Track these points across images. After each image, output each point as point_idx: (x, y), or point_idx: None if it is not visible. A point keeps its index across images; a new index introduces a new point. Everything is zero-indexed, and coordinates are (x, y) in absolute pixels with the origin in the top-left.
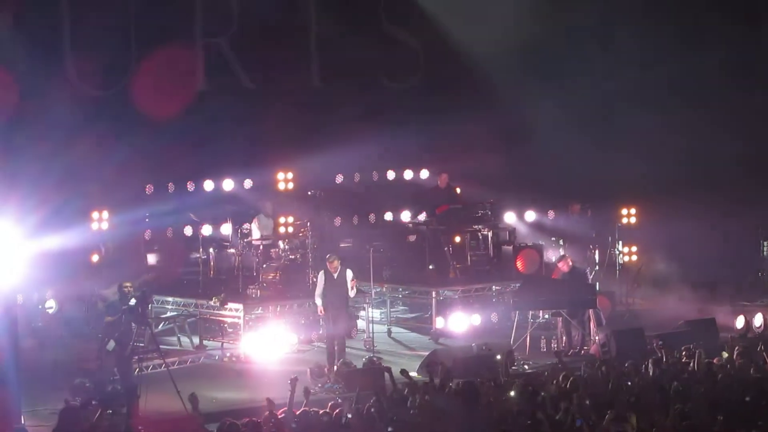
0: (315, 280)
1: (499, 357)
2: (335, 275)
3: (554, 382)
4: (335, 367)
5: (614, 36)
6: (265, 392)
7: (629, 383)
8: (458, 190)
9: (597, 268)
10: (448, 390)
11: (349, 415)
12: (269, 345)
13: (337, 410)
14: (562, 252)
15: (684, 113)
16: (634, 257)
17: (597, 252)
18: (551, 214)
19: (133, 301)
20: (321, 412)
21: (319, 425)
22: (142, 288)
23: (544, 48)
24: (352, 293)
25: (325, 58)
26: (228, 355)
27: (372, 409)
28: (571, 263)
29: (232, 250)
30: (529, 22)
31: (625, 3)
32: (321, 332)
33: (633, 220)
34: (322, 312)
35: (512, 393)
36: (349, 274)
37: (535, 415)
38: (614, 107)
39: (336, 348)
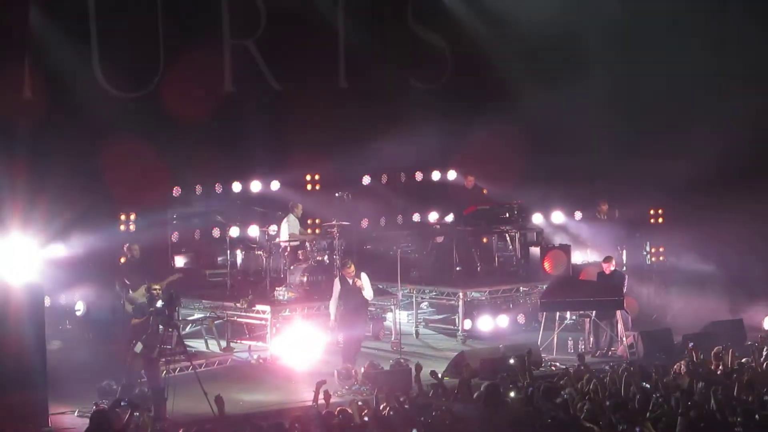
0: None
1: (512, 361)
2: (351, 281)
3: (577, 383)
4: (362, 369)
5: (641, 34)
6: (293, 395)
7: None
8: (485, 191)
9: (624, 268)
10: (473, 393)
11: (366, 419)
12: (297, 347)
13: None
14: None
15: (713, 110)
16: (662, 258)
17: (625, 252)
18: (578, 214)
19: (160, 303)
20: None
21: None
22: (169, 290)
23: (570, 46)
24: (369, 294)
25: (352, 59)
26: (256, 357)
27: (391, 412)
28: (614, 266)
29: (260, 252)
30: (558, 19)
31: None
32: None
33: (660, 220)
34: (333, 324)
35: (512, 394)
36: (364, 277)
37: (556, 416)
38: (641, 106)
39: (353, 351)
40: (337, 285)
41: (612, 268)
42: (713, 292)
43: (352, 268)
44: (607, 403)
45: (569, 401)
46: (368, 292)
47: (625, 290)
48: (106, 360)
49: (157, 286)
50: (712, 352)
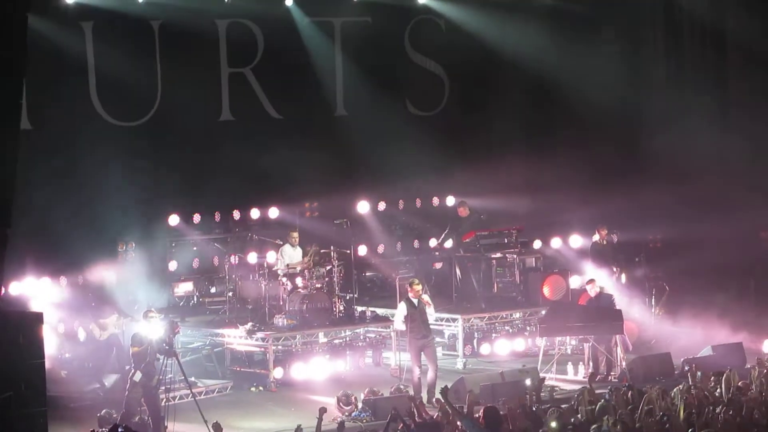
0: (340, 308)
1: (529, 382)
2: (416, 301)
3: (582, 407)
4: (362, 395)
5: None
6: (293, 421)
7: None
8: (483, 217)
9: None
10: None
11: None
12: (298, 374)
13: None
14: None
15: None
16: (660, 281)
17: (624, 276)
18: (576, 239)
19: (160, 331)
20: None
21: None
22: (168, 317)
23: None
24: (432, 313)
25: (350, 87)
26: (255, 384)
27: None
28: (598, 289)
29: (259, 280)
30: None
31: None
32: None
33: (659, 245)
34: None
35: (553, 424)
36: (425, 296)
37: None
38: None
39: (428, 382)
40: (402, 307)
41: (596, 290)
42: (711, 316)
43: (419, 286)
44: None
45: (576, 425)
46: (432, 313)
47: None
48: (106, 389)
49: (153, 312)
50: (720, 376)
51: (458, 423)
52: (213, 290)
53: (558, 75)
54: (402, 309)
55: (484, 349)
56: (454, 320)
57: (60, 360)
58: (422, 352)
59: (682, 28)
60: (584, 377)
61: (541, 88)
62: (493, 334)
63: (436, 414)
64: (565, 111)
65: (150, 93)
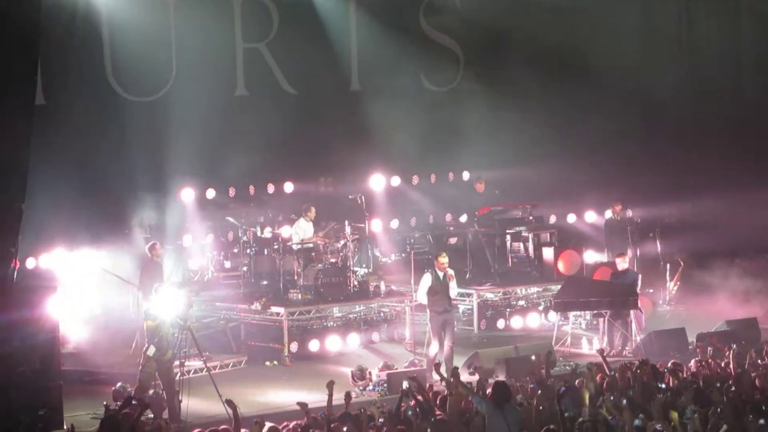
0: (356, 284)
1: (534, 357)
2: (441, 274)
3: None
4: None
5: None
6: (308, 396)
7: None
8: (497, 192)
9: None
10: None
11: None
12: (312, 348)
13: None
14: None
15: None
16: (675, 257)
17: (639, 252)
18: (591, 215)
19: (175, 306)
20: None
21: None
22: (183, 293)
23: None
24: (454, 290)
25: (365, 62)
26: (270, 359)
27: (409, 412)
28: (626, 264)
29: (273, 254)
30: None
31: None
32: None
33: (674, 219)
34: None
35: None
36: (450, 270)
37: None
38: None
39: (444, 356)
40: (427, 278)
41: (625, 265)
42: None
43: (445, 258)
44: (624, 401)
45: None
46: (454, 288)
47: (638, 289)
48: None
49: (167, 287)
50: (729, 352)
51: (469, 398)
52: (228, 265)
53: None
54: (426, 280)
55: (499, 323)
56: (468, 295)
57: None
58: (444, 328)
59: None
60: (598, 352)
61: (560, 61)
62: (508, 309)
63: (444, 391)
64: (583, 81)
65: (165, 68)
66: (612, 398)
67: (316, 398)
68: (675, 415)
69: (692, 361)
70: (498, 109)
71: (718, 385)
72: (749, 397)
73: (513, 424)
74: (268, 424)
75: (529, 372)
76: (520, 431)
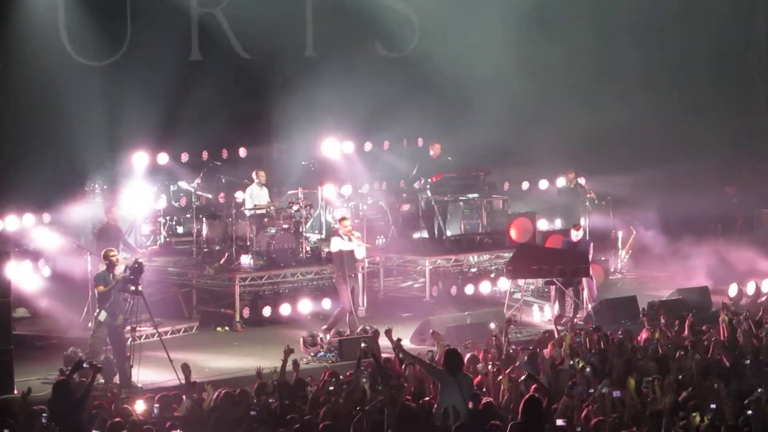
0: (308, 250)
1: (493, 325)
2: (347, 238)
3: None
4: (327, 336)
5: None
6: (259, 363)
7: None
8: (450, 159)
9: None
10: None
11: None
12: (264, 314)
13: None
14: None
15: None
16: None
17: (590, 220)
18: (544, 183)
19: (124, 270)
20: None
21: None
22: (135, 258)
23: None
24: (362, 253)
25: (320, 27)
26: (222, 324)
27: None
28: (581, 234)
29: (226, 220)
30: None
31: None
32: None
33: (626, 188)
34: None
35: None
36: (356, 233)
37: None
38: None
39: (348, 319)
40: (336, 242)
41: (580, 236)
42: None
43: (347, 221)
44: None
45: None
46: (362, 250)
47: (590, 257)
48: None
49: (113, 252)
50: (683, 320)
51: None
52: (180, 230)
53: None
54: (336, 243)
55: (452, 290)
56: (420, 262)
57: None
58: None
59: None
60: (549, 320)
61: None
62: (460, 277)
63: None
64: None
65: (119, 33)
66: (572, 364)
67: (266, 364)
68: (632, 382)
69: (643, 330)
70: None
71: (678, 353)
72: (708, 363)
73: (466, 391)
74: (222, 390)
75: (487, 340)
76: (472, 396)
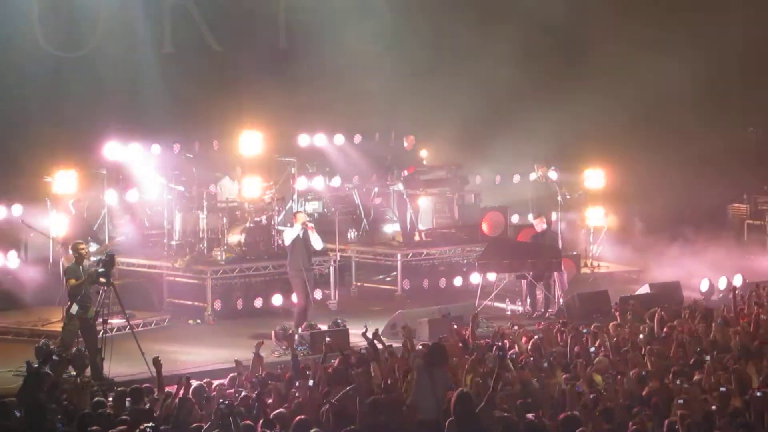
0: (281, 241)
1: (465, 318)
2: (303, 232)
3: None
4: (299, 329)
5: None
6: (230, 355)
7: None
8: (423, 152)
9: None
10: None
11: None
12: (236, 307)
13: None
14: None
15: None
16: (602, 219)
17: (561, 213)
18: (516, 177)
19: (96, 263)
20: None
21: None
22: (106, 250)
23: None
24: (319, 244)
25: (293, 20)
26: (194, 317)
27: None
28: (545, 225)
29: (198, 213)
30: None
31: None
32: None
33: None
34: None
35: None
36: (309, 224)
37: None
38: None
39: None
40: (288, 232)
41: (543, 226)
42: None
43: (302, 214)
44: (545, 363)
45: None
46: (318, 242)
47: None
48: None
49: (82, 244)
50: (648, 314)
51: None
52: (151, 223)
53: None
54: (289, 235)
55: (424, 284)
56: (392, 255)
57: None
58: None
59: None
60: (521, 314)
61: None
62: (431, 270)
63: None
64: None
65: (92, 24)
66: (533, 359)
67: (239, 356)
68: (599, 377)
69: (610, 325)
70: (430, 72)
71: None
72: (672, 360)
73: (439, 387)
74: (194, 382)
75: (455, 332)
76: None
